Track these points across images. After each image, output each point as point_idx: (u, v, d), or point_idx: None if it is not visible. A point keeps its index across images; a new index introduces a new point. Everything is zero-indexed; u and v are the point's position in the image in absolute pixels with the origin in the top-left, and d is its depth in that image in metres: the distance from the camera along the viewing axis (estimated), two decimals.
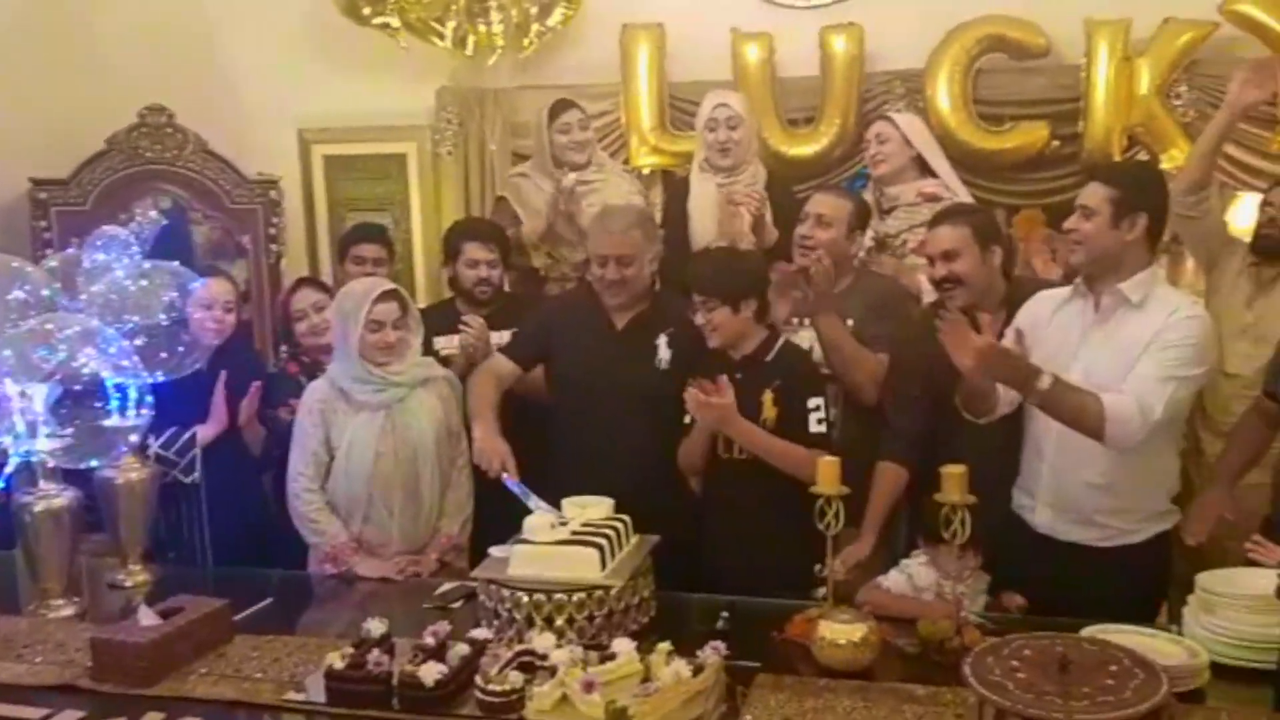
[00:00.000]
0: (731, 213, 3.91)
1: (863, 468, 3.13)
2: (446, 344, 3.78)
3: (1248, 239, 3.66)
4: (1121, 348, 2.80)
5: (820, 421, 3.17)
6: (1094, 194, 2.85)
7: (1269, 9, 4.17)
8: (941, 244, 3.18)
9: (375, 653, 2.42)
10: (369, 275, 3.79)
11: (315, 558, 3.36)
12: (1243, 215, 4.14)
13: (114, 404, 3.06)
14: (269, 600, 2.97)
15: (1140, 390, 2.71)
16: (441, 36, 4.75)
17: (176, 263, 3.46)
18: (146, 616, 2.60)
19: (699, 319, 3.23)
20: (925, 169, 4.07)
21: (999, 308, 3.17)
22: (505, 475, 3.12)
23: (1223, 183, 4.19)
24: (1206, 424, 3.49)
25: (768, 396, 3.16)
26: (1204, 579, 2.53)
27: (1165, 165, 4.25)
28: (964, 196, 4.05)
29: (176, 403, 3.38)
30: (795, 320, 3.57)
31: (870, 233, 3.87)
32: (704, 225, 4.04)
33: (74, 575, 3.07)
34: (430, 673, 2.35)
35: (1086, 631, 2.35)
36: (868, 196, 4.09)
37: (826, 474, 2.57)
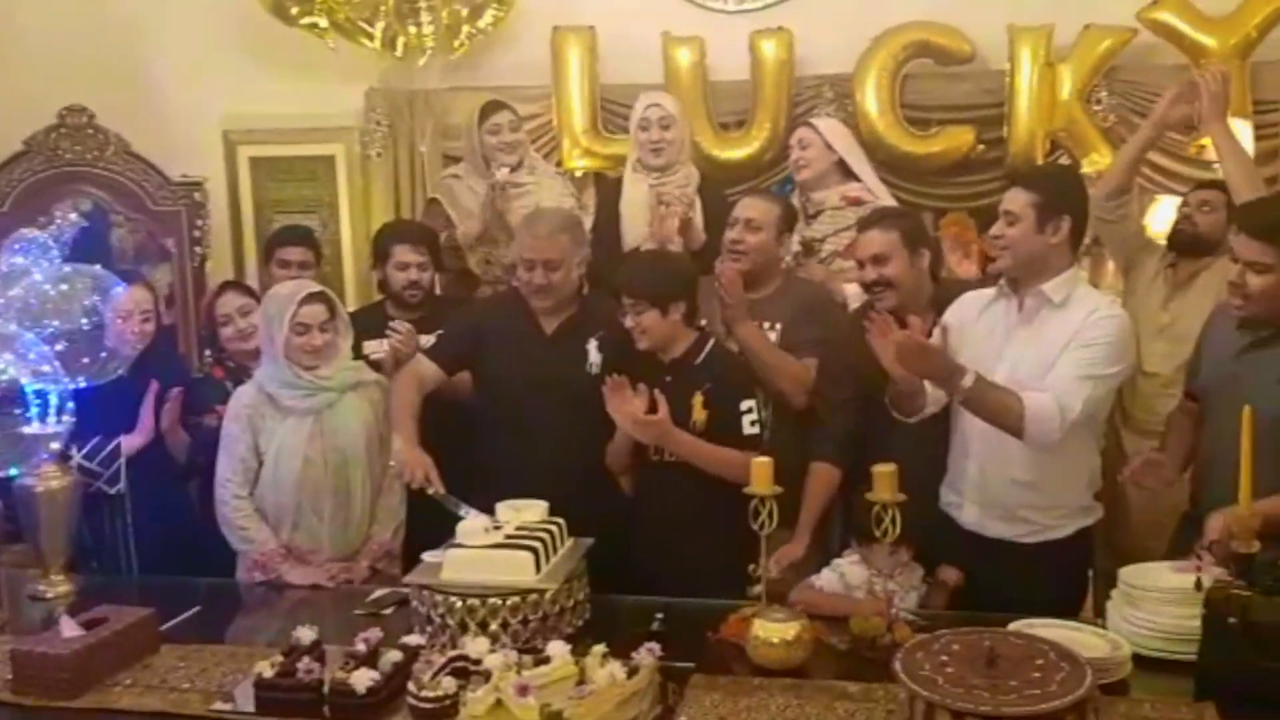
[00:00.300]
0: (661, 215, 3.93)
1: (795, 468, 3.15)
2: (376, 348, 3.73)
3: (1165, 241, 3.76)
4: (1044, 347, 2.87)
5: (754, 424, 3.19)
6: (1017, 199, 2.90)
7: (1185, 16, 4.29)
8: (871, 248, 3.23)
9: (306, 660, 2.39)
10: (295, 278, 3.75)
11: (244, 565, 3.31)
12: (1160, 218, 4.24)
13: (34, 410, 3.00)
14: (196, 609, 2.93)
15: (1059, 389, 2.77)
16: (370, 37, 4.71)
17: (98, 266, 3.40)
18: (69, 627, 2.54)
19: (628, 322, 3.24)
20: (848, 173, 4.12)
21: (927, 309, 3.22)
22: (429, 488, 3.10)
23: (1141, 186, 4.30)
24: (1127, 422, 3.57)
25: (698, 399, 3.17)
26: (1126, 573, 2.59)
27: (1086, 169, 4.34)
28: (887, 200, 4.11)
29: (100, 410, 3.32)
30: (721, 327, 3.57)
31: (796, 237, 3.91)
32: (635, 226, 4.06)
33: None
34: (362, 680, 2.32)
35: (1013, 626, 2.39)
36: (794, 201, 4.13)
37: (760, 475, 2.59)
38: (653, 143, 4.07)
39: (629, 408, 3.12)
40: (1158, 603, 2.47)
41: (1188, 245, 3.62)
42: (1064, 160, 4.49)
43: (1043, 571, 2.90)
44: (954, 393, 2.81)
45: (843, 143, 4.16)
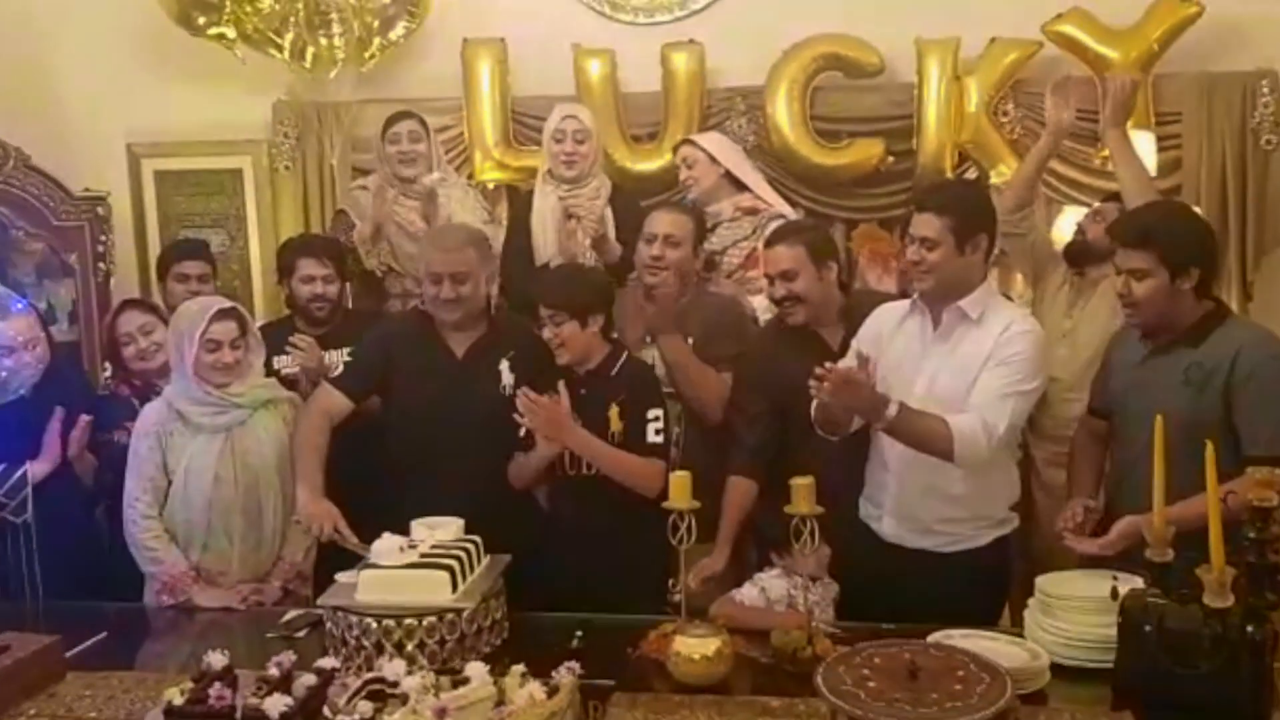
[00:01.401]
0: (570, 229, 3.92)
1: (710, 482, 3.16)
2: (288, 363, 3.68)
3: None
4: (962, 363, 2.91)
5: (658, 432, 3.20)
6: (930, 225, 2.92)
7: (1087, 30, 4.40)
8: (779, 264, 3.26)
9: (217, 686, 2.31)
10: (195, 293, 3.67)
11: (151, 588, 3.23)
12: (1067, 228, 4.33)
13: None
14: (103, 635, 2.84)
15: (983, 409, 2.81)
16: (279, 49, 4.65)
17: None
18: None
19: (546, 333, 3.22)
20: (739, 184, 4.15)
21: (837, 321, 3.27)
22: (338, 537, 3.03)
23: (1049, 198, 4.40)
24: (1033, 428, 3.62)
25: (614, 410, 3.18)
26: (1043, 582, 2.62)
27: (995, 179, 4.43)
28: (782, 206, 4.17)
29: (2, 435, 3.22)
30: (647, 339, 3.56)
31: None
32: (545, 239, 4.05)
33: None
34: (275, 705, 2.25)
35: (933, 637, 2.41)
36: None
37: (678, 489, 2.58)
38: (566, 154, 4.07)
39: (538, 422, 3.11)
40: (1074, 611, 2.51)
41: (1079, 255, 3.71)
42: (972, 172, 4.57)
43: (963, 580, 2.94)
44: (878, 422, 2.83)
45: (727, 155, 4.18)
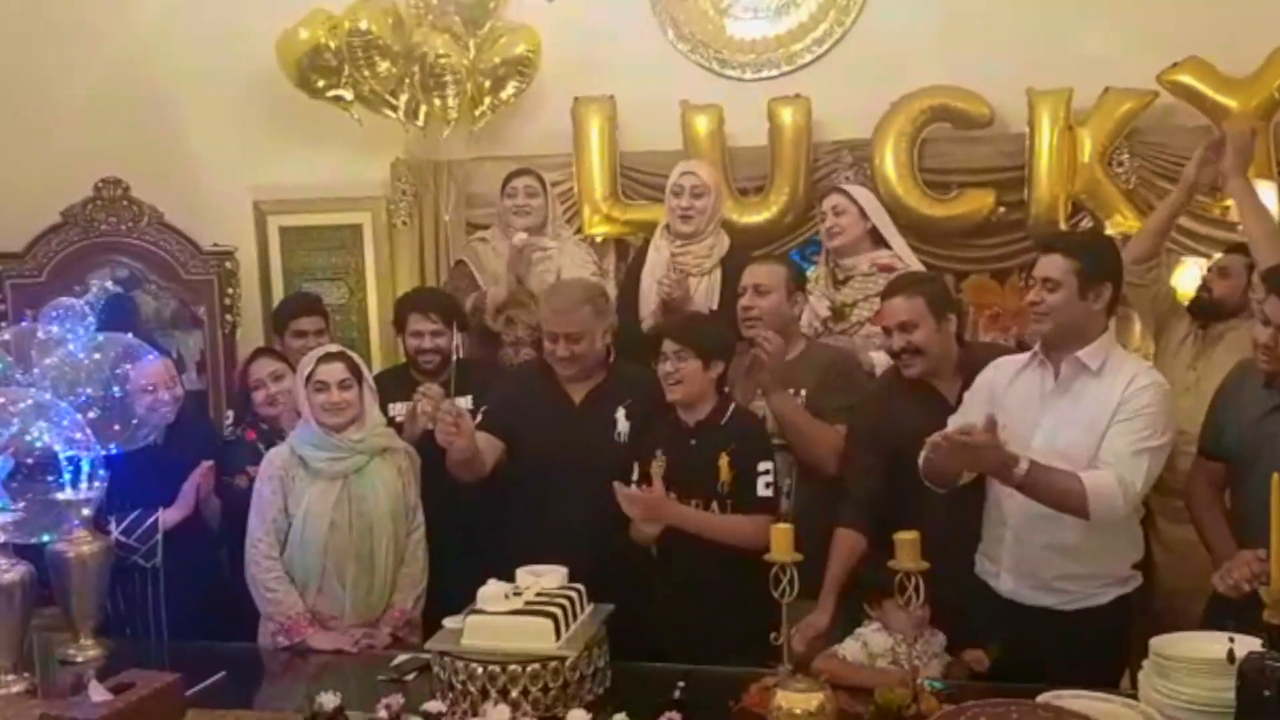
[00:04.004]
0: (660, 282, 3.96)
1: (818, 535, 3.14)
2: (401, 410, 3.78)
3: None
4: (1083, 416, 2.84)
5: (768, 486, 3.19)
6: (1056, 266, 2.88)
7: (1206, 78, 4.31)
8: (898, 315, 3.22)
9: None
10: (312, 349, 3.77)
11: (267, 629, 3.31)
12: (1188, 279, 4.23)
13: (66, 477, 3.03)
14: (221, 674, 2.92)
15: (1118, 466, 2.74)
16: (394, 109, 4.79)
17: (129, 335, 3.45)
18: (97, 692, 2.55)
19: (665, 368, 3.24)
20: (878, 240, 4.12)
21: (954, 374, 3.22)
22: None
23: (1169, 249, 4.30)
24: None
25: (724, 460, 3.18)
26: (1157, 643, 2.53)
27: (1110, 231, 4.34)
28: (917, 267, 4.11)
29: (134, 479, 3.36)
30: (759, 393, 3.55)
31: (826, 302, 3.92)
32: (651, 293, 4.08)
33: (25, 650, 3.01)
34: None
35: (1042, 698, 2.35)
36: (821, 266, 4.15)
37: (780, 541, 2.57)
38: (683, 209, 4.09)
39: (636, 510, 3.13)
40: (1189, 674, 2.41)
41: (1206, 312, 3.62)
42: (1086, 223, 4.50)
43: (1082, 640, 2.86)
44: (1008, 482, 2.77)
45: (875, 210, 4.17)
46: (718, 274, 4.05)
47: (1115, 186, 4.45)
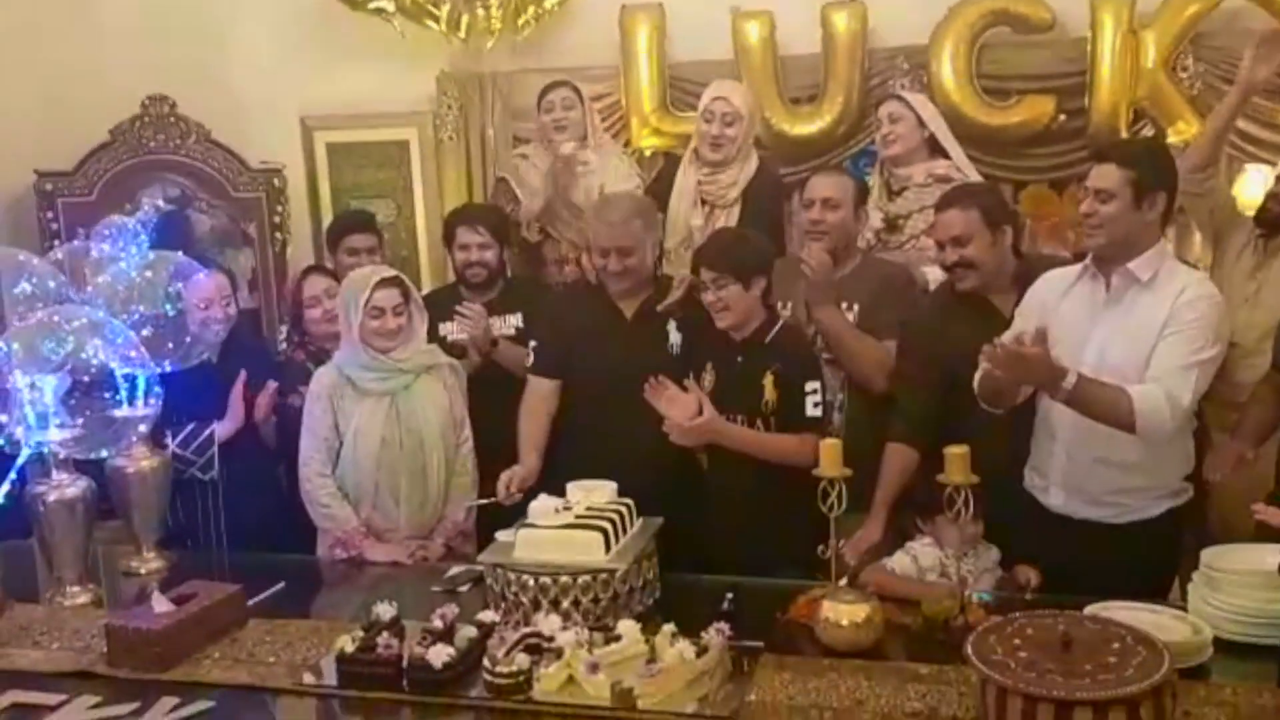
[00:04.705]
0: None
1: (870, 449, 3.13)
2: (452, 329, 3.80)
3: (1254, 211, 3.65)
4: (1135, 330, 2.80)
5: (816, 405, 3.17)
6: (1110, 176, 2.81)
7: None
8: (951, 229, 3.16)
9: (385, 636, 2.45)
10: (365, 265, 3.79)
11: (324, 542, 3.39)
12: (1250, 188, 4.11)
13: (123, 394, 3.09)
14: (281, 585, 2.99)
15: (1166, 380, 2.70)
16: (436, 20, 4.72)
17: (180, 253, 3.48)
18: (160, 603, 2.63)
19: (707, 297, 3.22)
20: (936, 149, 4.04)
21: (1010, 287, 3.16)
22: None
23: (1230, 155, 4.17)
24: (1209, 395, 3.46)
25: (768, 379, 3.16)
26: (1208, 555, 2.53)
27: (1172, 139, 4.23)
28: (975, 179, 4.03)
29: (190, 396, 3.42)
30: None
31: (879, 214, 3.86)
32: (677, 219, 4.03)
33: (89, 563, 3.09)
34: (438, 655, 2.37)
35: (1090, 609, 2.35)
36: (875, 176, 4.07)
37: (828, 456, 2.57)
38: (713, 137, 3.99)
39: (674, 411, 3.12)
40: (1240, 586, 2.42)
41: (1272, 221, 3.51)
42: (1148, 130, 4.38)
43: (1132, 552, 2.84)
44: (1056, 395, 2.73)
45: (933, 118, 4.07)
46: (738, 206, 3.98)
47: (1179, 92, 4.32)
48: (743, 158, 4.05)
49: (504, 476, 3.25)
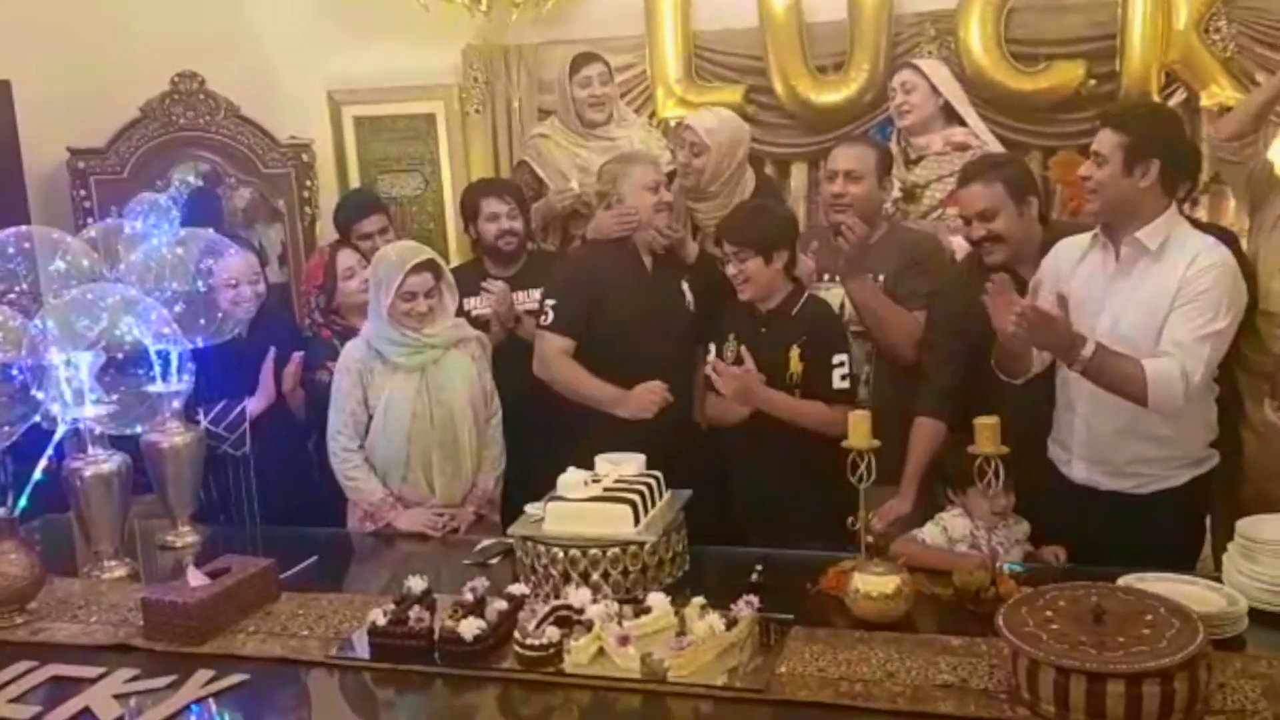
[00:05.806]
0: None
1: (898, 422, 3.12)
2: (478, 304, 3.81)
3: None
4: (1146, 300, 2.77)
5: (844, 378, 3.17)
6: (1105, 140, 2.79)
7: None
8: (976, 204, 3.12)
9: (416, 609, 2.46)
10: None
11: (354, 515, 3.42)
12: None
13: (156, 370, 3.12)
14: (313, 559, 3.01)
15: (1178, 353, 2.67)
16: None
17: (211, 230, 3.50)
18: (195, 577, 2.66)
19: (730, 270, 3.22)
20: (952, 116, 3.99)
21: (1038, 258, 3.10)
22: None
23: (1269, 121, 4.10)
24: (1242, 364, 3.43)
25: (794, 351, 3.17)
26: (1244, 525, 2.51)
27: (1205, 102, 4.18)
28: (993, 144, 3.98)
29: (221, 371, 3.45)
30: (825, 277, 3.50)
31: (897, 183, 3.82)
32: None
33: (125, 537, 3.13)
34: (470, 628, 2.39)
35: (1123, 580, 2.34)
36: (893, 146, 4.03)
37: (857, 428, 2.57)
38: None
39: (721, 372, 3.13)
40: (1275, 556, 2.40)
41: None
42: (1181, 93, 4.31)
43: (1158, 522, 2.82)
44: (1073, 363, 2.69)
45: (948, 85, 4.03)
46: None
47: (1212, 55, 4.24)
48: (728, 191, 3.83)
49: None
